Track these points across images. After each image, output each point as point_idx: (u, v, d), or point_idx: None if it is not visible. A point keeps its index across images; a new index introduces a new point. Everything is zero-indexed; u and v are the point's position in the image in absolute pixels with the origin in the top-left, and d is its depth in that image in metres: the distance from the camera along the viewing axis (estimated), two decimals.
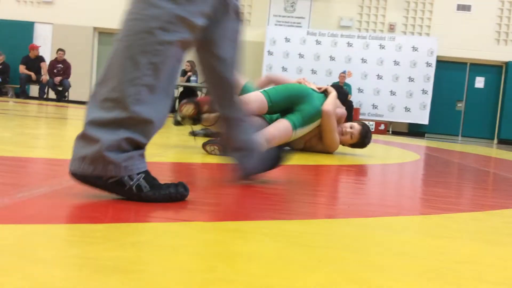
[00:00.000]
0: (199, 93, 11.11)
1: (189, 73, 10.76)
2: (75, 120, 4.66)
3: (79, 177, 1.13)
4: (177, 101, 11.08)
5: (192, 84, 10.39)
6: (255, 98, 2.79)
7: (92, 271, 0.67)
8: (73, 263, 0.69)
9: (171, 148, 2.58)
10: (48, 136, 2.73)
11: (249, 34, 12.05)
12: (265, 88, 2.92)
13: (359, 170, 2.42)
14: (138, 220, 0.99)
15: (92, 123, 1.12)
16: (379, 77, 11.67)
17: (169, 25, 1.13)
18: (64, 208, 1.03)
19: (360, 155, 3.36)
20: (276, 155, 1.71)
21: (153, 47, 1.12)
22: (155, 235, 0.89)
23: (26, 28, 12.44)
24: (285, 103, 2.85)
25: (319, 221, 1.15)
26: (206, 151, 2.45)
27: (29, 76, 11.03)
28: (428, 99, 11.63)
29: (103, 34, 12.75)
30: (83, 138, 1.13)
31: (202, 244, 0.85)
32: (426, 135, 12.02)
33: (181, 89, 11.19)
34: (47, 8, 12.48)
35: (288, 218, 1.15)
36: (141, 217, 1.02)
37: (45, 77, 11.09)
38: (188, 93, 10.98)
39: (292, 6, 12.10)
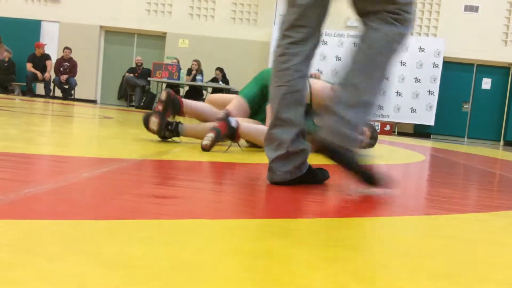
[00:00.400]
0: (204, 92, 11.12)
1: (193, 72, 10.77)
2: (81, 117, 4.68)
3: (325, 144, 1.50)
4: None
5: (198, 83, 10.40)
6: (236, 105, 2.86)
7: (98, 266, 0.67)
8: (79, 258, 0.70)
9: (176, 147, 2.59)
10: (54, 133, 2.75)
11: (255, 34, 12.06)
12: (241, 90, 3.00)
13: None
14: (145, 216, 0.99)
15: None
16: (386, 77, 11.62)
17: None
18: (70, 204, 1.03)
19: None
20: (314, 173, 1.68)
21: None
22: (162, 231, 0.89)
23: (33, 26, 12.49)
24: (261, 95, 2.89)
25: (325, 220, 1.14)
26: (205, 148, 2.44)
27: (36, 74, 11.08)
28: (434, 100, 11.58)
29: (109, 33, 12.78)
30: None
31: (209, 241, 0.85)
32: (431, 136, 11.97)
33: (186, 88, 11.20)
34: (54, 7, 12.53)
35: (294, 216, 1.15)
36: (148, 213, 1.02)
37: (48, 74, 11.12)
38: (194, 92, 10.99)
39: None
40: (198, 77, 10.36)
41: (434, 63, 11.53)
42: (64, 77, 11.04)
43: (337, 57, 11.57)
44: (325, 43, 11.57)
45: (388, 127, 11.35)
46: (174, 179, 1.51)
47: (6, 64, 11.64)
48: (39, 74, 11.05)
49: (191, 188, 1.36)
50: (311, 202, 1.37)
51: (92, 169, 1.54)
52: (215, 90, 10.74)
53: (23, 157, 1.67)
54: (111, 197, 1.13)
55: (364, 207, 1.38)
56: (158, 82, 10.65)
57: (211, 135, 2.43)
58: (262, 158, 2.41)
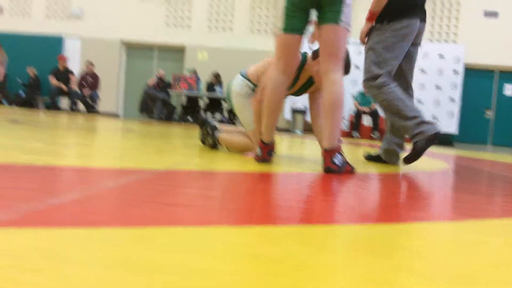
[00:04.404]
0: (223, 103, 11.19)
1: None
2: (104, 130, 4.76)
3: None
4: (202, 112, 11.18)
5: (218, 95, 10.48)
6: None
7: (121, 272, 0.68)
8: (103, 265, 0.71)
9: (194, 157, 2.61)
10: (78, 145, 2.80)
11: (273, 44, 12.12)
12: None
13: (387, 177, 2.40)
14: (166, 224, 1.00)
15: None
16: None
17: None
18: (95, 213, 1.06)
19: (389, 164, 3.32)
20: None
21: None
22: (183, 238, 0.90)
23: (55, 42, 12.80)
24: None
25: (345, 227, 1.14)
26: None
27: (60, 88, 11.31)
28: (456, 107, 11.43)
29: (130, 47, 13.01)
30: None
31: (229, 247, 0.86)
32: (454, 144, 11.79)
33: (206, 100, 11.29)
34: (76, 22, 12.83)
35: (314, 223, 1.15)
36: (169, 221, 1.03)
37: (73, 85, 11.35)
38: (213, 103, 11.07)
39: None
40: (217, 88, 10.44)
41: (454, 70, 11.40)
42: (87, 91, 11.26)
43: (355, 65, 11.54)
44: None
45: None
46: (194, 188, 1.53)
47: (31, 80, 11.94)
48: (63, 86, 11.27)
49: (211, 197, 1.38)
50: (332, 208, 1.37)
51: (116, 179, 1.57)
52: None
53: (48, 169, 1.71)
54: (134, 206, 1.15)
55: (386, 212, 1.37)
56: (178, 94, 10.77)
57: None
58: (273, 168, 2.42)
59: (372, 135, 10.82)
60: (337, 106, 2.34)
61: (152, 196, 1.31)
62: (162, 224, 1.00)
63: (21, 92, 12.04)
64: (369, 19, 3.21)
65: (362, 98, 10.99)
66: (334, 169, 2.32)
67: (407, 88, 3.27)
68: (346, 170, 2.35)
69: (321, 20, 2.41)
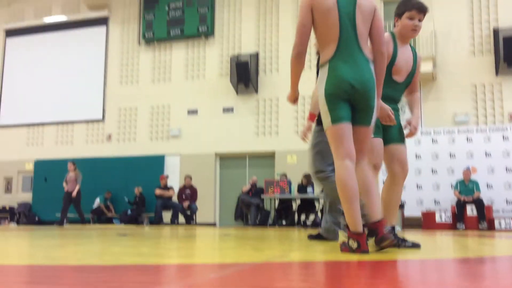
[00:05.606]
0: (316, 203, 11.16)
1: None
2: (202, 236, 4.95)
3: None
4: (296, 214, 11.20)
5: (309, 196, 10.53)
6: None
7: None
8: None
9: (291, 252, 2.63)
10: (180, 249, 2.96)
11: None
12: None
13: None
14: None
15: None
16: (508, 170, 10.80)
17: None
18: None
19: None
20: None
21: None
22: None
23: (158, 161, 13.93)
24: None
25: None
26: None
27: (163, 204, 11.99)
28: None
29: (223, 158, 13.76)
30: None
31: None
32: None
33: (298, 202, 11.34)
34: (175, 142, 13.97)
35: None
36: None
37: (170, 194, 12.04)
38: (306, 205, 11.08)
39: (401, 109, 12.13)
40: (309, 189, 10.51)
41: None
42: (186, 204, 11.86)
43: (450, 154, 11.14)
44: (435, 142, 11.28)
45: None
46: (295, 275, 1.55)
47: (137, 199, 12.92)
48: (166, 193, 12.00)
49: (312, 282, 1.39)
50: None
51: (217, 271, 1.64)
52: None
53: (154, 266, 1.84)
54: None
55: None
56: (271, 198, 10.98)
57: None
58: (372, 257, 2.35)
59: (479, 225, 9.99)
60: (370, 187, 2.70)
61: (253, 282, 1.36)
62: None
63: (128, 210, 12.98)
64: (310, 118, 3.88)
65: (462, 187, 10.39)
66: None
67: None
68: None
69: (355, 120, 2.63)
